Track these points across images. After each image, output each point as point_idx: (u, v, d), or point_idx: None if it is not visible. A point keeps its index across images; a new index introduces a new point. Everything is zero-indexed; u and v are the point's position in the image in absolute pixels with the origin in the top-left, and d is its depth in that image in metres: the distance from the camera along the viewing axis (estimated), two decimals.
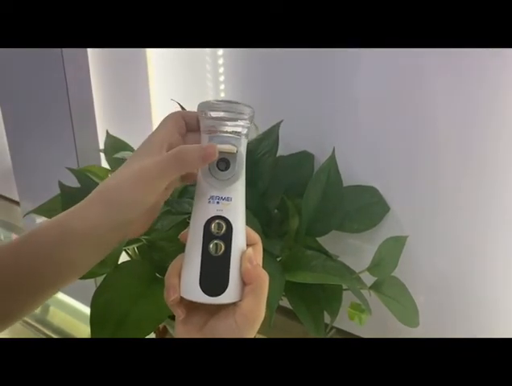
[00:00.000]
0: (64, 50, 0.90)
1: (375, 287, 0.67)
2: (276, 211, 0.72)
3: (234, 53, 0.84)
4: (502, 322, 0.72)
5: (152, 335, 0.83)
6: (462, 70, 0.63)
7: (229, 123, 0.35)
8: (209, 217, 0.35)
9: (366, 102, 0.73)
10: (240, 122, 0.35)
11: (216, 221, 0.35)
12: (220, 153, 0.34)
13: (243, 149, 0.36)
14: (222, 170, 0.35)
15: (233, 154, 0.35)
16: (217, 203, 0.35)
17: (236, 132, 0.35)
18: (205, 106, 0.35)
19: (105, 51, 0.99)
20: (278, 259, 0.64)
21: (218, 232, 0.35)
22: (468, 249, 0.71)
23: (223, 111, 0.35)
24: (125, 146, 0.81)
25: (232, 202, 0.35)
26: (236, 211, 0.35)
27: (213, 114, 0.35)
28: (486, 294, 0.72)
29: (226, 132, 0.35)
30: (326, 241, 0.71)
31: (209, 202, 0.35)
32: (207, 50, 0.86)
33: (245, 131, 0.36)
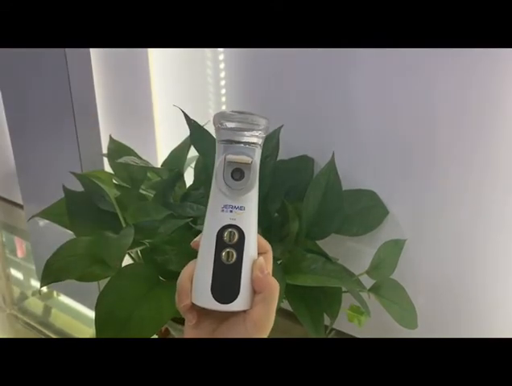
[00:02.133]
0: (68, 54, 0.90)
1: (374, 289, 0.68)
2: (276, 214, 0.73)
3: (235, 58, 0.85)
4: (502, 323, 0.72)
5: (155, 337, 0.84)
6: (462, 71, 0.64)
7: (244, 134, 0.35)
8: (222, 226, 0.35)
9: (366, 106, 0.74)
10: (255, 133, 0.35)
11: (229, 230, 0.35)
12: (236, 163, 0.35)
13: (257, 160, 0.36)
14: (237, 180, 0.35)
15: (248, 165, 0.35)
16: (230, 211, 0.35)
17: (251, 142, 0.35)
18: (221, 117, 0.36)
19: (108, 57, 1.00)
20: (279, 262, 0.65)
21: (231, 241, 0.35)
22: (468, 252, 0.72)
23: (239, 122, 0.35)
24: (128, 151, 0.82)
25: (245, 211, 0.36)
26: (249, 221, 0.36)
27: (229, 125, 0.35)
28: (485, 296, 0.72)
29: (242, 142, 0.35)
30: (326, 244, 0.72)
31: (223, 210, 0.35)
32: (208, 54, 0.87)
33: (260, 142, 0.36)
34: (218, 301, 0.35)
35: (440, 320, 0.78)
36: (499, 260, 0.69)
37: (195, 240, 0.38)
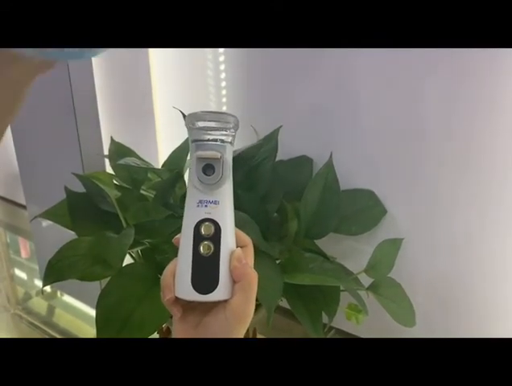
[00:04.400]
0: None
1: (372, 288, 0.68)
2: (275, 214, 0.73)
3: (235, 59, 0.85)
4: (501, 323, 0.73)
5: (156, 335, 0.85)
6: (461, 72, 0.65)
7: (214, 132, 0.37)
8: (198, 220, 0.37)
9: (364, 107, 0.74)
10: (224, 131, 0.37)
11: (205, 223, 0.37)
12: (206, 159, 0.37)
13: (228, 156, 0.38)
14: (208, 175, 0.37)
15: (218, 160, 0.37)
16: (205, 206, 0.37)
17: (221, 140, 0.37)
18: (192, 117, 0.37)
19: (109, 57, 1.01)
20: (278, 261, 0.65)
21: (207, 234, 0.37)
22: (465, 250, 0.72)
23: (208, 121, 0.37)
24: (128, 152, 0.83)
25: (219, 205, 0.37)
26: (224, 214, 0.37)
27: (200, 124, 0.37)
28: (484, 295, 0.73)
29: (212, 140, 0.37)
30: (324, 244, 0.72)
31: (198, 205, 0.37)
32: (209, 56, 0.88)
33: (229, 139, 0.38)
34: (198, 292, 0.36)
35: (438, 318, 0.78)
36: (496, 258, 0.70)
37: (176, 237, 0.39)
